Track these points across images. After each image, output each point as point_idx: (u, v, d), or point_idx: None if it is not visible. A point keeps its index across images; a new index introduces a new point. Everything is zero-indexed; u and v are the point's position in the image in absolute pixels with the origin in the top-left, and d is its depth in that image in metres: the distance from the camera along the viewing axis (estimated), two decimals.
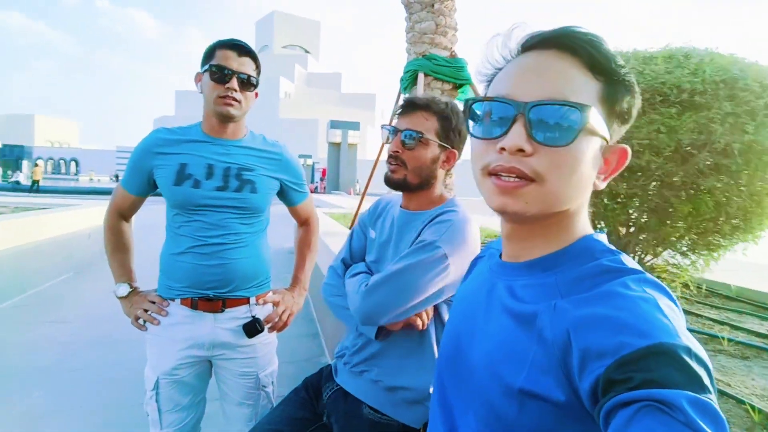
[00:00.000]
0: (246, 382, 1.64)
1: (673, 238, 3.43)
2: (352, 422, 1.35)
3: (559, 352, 0.58)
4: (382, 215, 1.53)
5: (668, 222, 3.30)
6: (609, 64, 0.63)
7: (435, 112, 1.35)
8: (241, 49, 1.54)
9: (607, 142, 0.65)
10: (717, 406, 0.46)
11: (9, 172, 34.20)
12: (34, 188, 23.01)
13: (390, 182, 1.39)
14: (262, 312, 1.66)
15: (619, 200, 3.39)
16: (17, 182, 27.28)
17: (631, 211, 3.49)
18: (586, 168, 0.63)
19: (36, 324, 4.05)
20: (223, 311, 1.57)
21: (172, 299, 1.57)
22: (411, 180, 1.36)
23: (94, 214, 7.16)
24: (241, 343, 1.60)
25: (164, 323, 1.57)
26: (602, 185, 0.68)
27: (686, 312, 3.41)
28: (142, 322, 1.59)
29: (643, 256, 3.67)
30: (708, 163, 3.06)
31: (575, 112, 0.59)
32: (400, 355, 1.34)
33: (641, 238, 3.54)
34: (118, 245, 1.67)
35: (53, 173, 48.49)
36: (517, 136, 0.61)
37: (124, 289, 1.61)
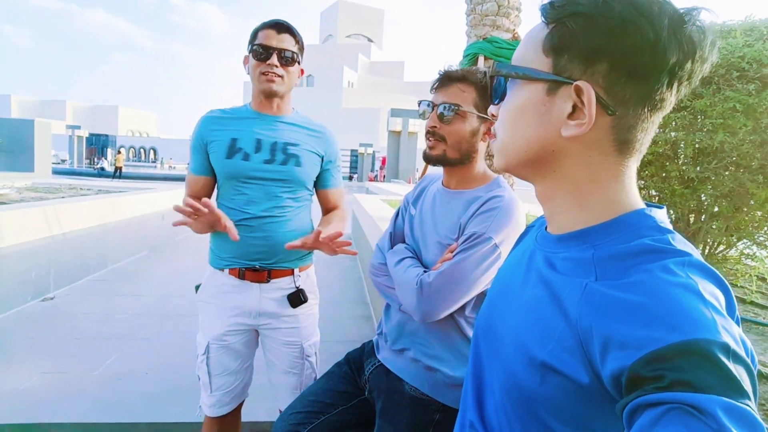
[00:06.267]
0: (291, 351, 1.70)
1: (750, 227, 3.16)
2: (393, 398, 1.35)
3: (581, 335, 0.56)
4: (423, 193, 1.51)
5: (744, 209, 3.04)
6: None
7: (472, 82, 1.30)
8: (280, 27, 1.59)
9: (554, 86, 0.61)
10: (755, 413, 0.42)
11: (95, 159, 36.67)
12: (117, 174, 24.62)
13: (429, 158, 1.35)
14: (305, 283, 1.71)
15: (690, 185, 3.16)
16: (102, 168, 29.19)
17: (702, 197, 3.24)
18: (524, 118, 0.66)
19: (114, 296, 4.39)
20: (268, 281, 1.64)
21: (222, 269, 1.66)
22: (450, 155, 1.32)
23: (168, 197, 7.59)
24: (285, 313, 1.67)
25: (214, 292, 1.66)
26: (579, 130, 0.61)
27: (763, 307, 3.15)
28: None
29: (715, 246, 3.41)
30: None
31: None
32: (440, 336, 1.32)
33: (713, 227, 3.28)
34: None
35: (134, 161, 51.70)
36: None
37: None
